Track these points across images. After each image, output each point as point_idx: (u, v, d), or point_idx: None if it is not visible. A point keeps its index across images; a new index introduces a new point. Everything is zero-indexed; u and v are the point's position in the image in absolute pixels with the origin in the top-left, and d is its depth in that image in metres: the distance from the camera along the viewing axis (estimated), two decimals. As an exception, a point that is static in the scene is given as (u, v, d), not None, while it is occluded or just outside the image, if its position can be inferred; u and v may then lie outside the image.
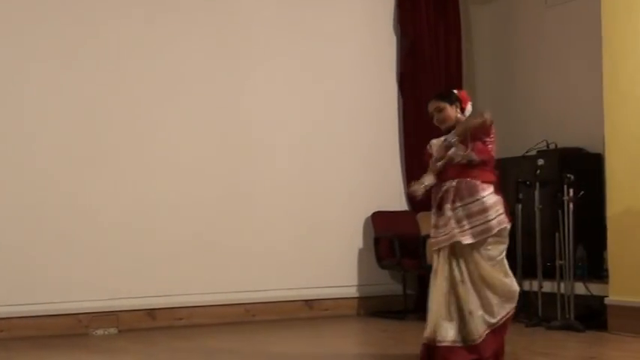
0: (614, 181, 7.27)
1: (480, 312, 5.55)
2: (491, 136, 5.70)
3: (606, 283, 7.33)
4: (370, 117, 9.11)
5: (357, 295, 8.90)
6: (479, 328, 5.52)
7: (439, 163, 5.68)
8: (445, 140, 5.65)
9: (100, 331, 7.70)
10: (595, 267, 7.82)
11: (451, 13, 9.45)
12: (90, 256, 7.78)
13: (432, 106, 5.84)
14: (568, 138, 8.35)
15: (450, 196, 5.62)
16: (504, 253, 5.67)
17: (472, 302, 5.53)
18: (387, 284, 8.97)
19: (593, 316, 7.44)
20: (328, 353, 6.72)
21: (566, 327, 7.38)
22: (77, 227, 7.77)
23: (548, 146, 8.30)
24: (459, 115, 5.76)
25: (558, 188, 7.58)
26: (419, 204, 7.89)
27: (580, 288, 7.59)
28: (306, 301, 8.65)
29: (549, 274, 7.78)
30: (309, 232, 8.68)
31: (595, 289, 7.52)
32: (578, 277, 7.64)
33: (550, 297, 7.75)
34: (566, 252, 7.55)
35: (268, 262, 8.46)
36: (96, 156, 7.92)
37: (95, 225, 7.84)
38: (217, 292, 8.22)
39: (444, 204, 5.64)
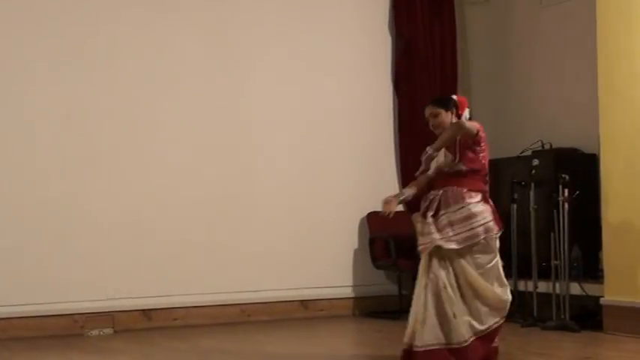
0: (609, 182, 7.27)
1: (467, 317, 5.54)
2: (482, 144, 5.68)
3: (601, 283, 7.34)
4: (365, 117, 9.12)
5: (352, 295, 8.90)
6: (463, 332, 5.50)
7: (417, 173, 5.78)
8: (425, 152, 5.66)
9: (95, 332, 7.70)
10: (590, 267, 7.82)
11: (446, 12, 9.46)
12: (86, 257, 7.78)
13: (427, 111, 5.86)
14: (563, 138, 8.36)
15: (435, 204, 5.65)
16: (495, 262, 5.64)
17: (456, 306, 5.51)
18: (383, 284, 8.98)
19: (588, 317, 7.45)
20: (323, 353, 6.72)
21: (562, 327, 7.39)
22: (73, 228, 7.76)
23: (543, 146, 8.31)
24: (453, 122, 5.76)
25: (553, 188, 7.59)
26: (415, 205, 7.89)
27: (575, 288, 7.60)
28: (302, 301, 8.65)
29: (544, 275, 7.78)
30: (304, 232, 8.68)
31: (590, 289, 7.53)
32: (573, 278, 7.65)
33: (545, 297, 7.75)
34: (562, 252, 7.56)
35: (264, 263, 8.46)
36: (93, 157, 7.91)
37: (91, 226, 7.83)
38: (213, 293, 8.22)
39: (427, 212, 5.66)
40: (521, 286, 8.06)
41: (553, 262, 7.65)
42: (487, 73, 9.62)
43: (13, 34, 7.71)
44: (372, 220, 8.81)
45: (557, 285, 7.63)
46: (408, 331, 5.63)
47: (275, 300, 8.51)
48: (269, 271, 8.49)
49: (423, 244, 5.65)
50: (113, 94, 8.01)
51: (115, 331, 7.78)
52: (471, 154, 5.66)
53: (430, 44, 9.30)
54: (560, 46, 8.77)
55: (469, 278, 5.56)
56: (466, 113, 5.85)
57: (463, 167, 5.65)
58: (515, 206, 7.98)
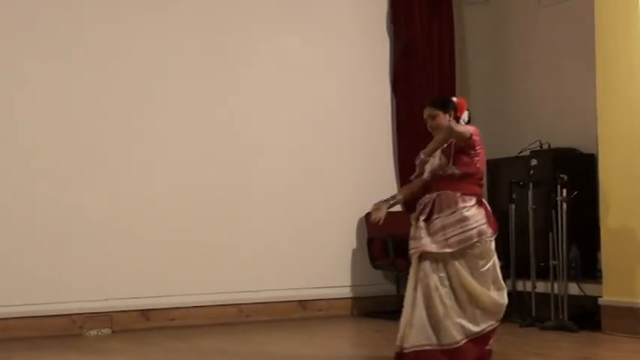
0: (608, 182, 7.28)
1: (459, 319, 5.52)
2: (477, 148, 5.66)
3: (600, 283, 7.34)
4: (363, 117, 9.12)
5: (350, 295, 8.90)
6: (454, 334, 5.49)
7: (412, 177, 5.78)
8: (418, 157, 5.66)
9: (93, 332, 7.70)
10: (588, 267, 7.83)
11: (445, 13, 9.46)
12: (84, 257, 7.77)
13: (426, 112, 5.86)
14: (561, 138, 8.36)
15: (428, 208, 5.66)
16: (490, 265, 5.62)
17: (448, 308, 5.50)
18: (381, 284, 8.98)
19: (586, 317, 7.45)
20: (322, 354, 6.72)
21: (560, 327, 7.39)
22: (71, 228, 7.75)
23: (541, 146, 8.32)
24: (445, 126, 5.75)
25: (552, 188, 7.59)
26: (413, 205, 7.88)
27: (574, 288, 7.61)
28: (300, 301, 8.65)
29: (543, 275, 7.78)
30: (302, 232, 8.68)
31: (588, 289, 7.53)
32: (571, 278, 7.65)
33: (544, 297, 7.76)
34: (560, 252, 7.56)
35: (262, 263, 8.46)
36: (91, 157, 7.90)
37: (89, 226, 7.82)
38: (211, 293, 8.21)
39: (420, 216, 5.67)
40: (520, 286, 8.07)
41: (551, 262, 7.65)
42: (485, 73, 9.62)
43: (6, 32, 7.68)
44: (370, 220, 8.80)
45: (556, 285, 7.63)
46: (399, 334, 5.63)
47: (273, 300, 8.51)
48: (267, 271, 8.49)
49: (413, 248, 5.66)
50: (111, 95, 8.00)
51: (114, 332, 7.78)
52: (465, 158, 5.65)
53: (428, 44, 9.31)
54: (559, 46, 8.77)
55: (463, 282, 5.55)
56: (465, 116, 5.83)
57: (457, 171, 5.65)
58: (513, 206, 7.98)
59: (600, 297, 7.27)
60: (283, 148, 8.70)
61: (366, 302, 8.88)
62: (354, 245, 8.95)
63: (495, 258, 5.68)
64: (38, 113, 7.75)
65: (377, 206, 5.85)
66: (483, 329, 5.60)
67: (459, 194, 5.61)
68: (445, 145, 5.66)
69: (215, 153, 8.39)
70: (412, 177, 5.80)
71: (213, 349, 7.00)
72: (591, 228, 7.59)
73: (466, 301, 5.55)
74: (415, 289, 5.59)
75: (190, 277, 8.14)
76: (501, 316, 5.69)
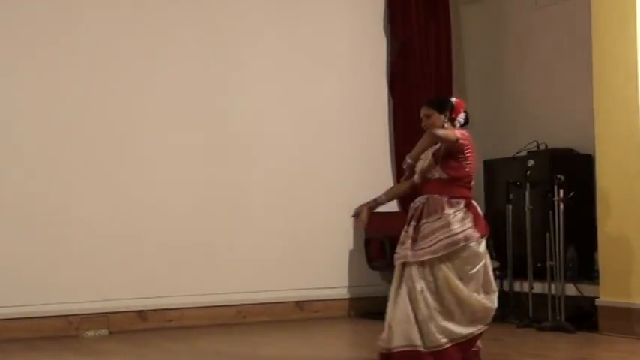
0: (605, 182, 7.28)
1: (444, 322, 5.49)
2: (466, 152, 5.62)
3: (597, 284, 7.35)
4: (361, 117, 9.11)
5: (347, 296, 8.90)
6: (438, 336, 5.46)
7: (402, 180, 5.79)
8: (405, 161, 5.65)
9: (90, 333, 7.69)
10: (585, 268, 7.82)
11: (441, 13, 9.45)
12: (80, 258, 7.76)
13: (422, 111, 5.83)
14: (558, 139, 8.36)
15: (418, 213, 5.65)
16: (480, 268, 5.56)
17: (433, 311, 5.48)
18: (378, 285, 8.94)
19: (583, 317, 7.45)
20: (319, 355, 6.72)
21: (557, 328, 7.39)
22: (68, 229, 7.75)
23: (538, 147, 8.32)
24: (445, 125, 5.72)
25: (549, 189, 7.59)
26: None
27: (571, 289, 7.61)
28: (297, 302, 8.64)
29: (540, 275, 7.78)
30: (299, 233, 8.67)
31: (586, 290, 7.54)
32: (568, 278, 7.65)
33: (541, 298, 7.75)
34: (557, 253, 7.56)
35: (259, 264, 8.45)
36: (87, 158, 7.90)
37: (86, 227, 7.82)
38: (208, 294, 8.20)
39: (411, 221, 5.67)
40: (517, 286, 8.07)
41: (548, 263, 7.65)
42: (482, 73, 9.62)
43: (4, 32, 7.67)
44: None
45: (553, 286, 7.62)
46: (383, 335, 5.61)
47: (270, 301, 8.50)
48: (264, 272, 8.48)
49: (397, 253, 5.68)
50: (110, 95, 8.00)
51: (111, 332, 7.77)
52: (453, 163, 5.62)
53: (425, 44, 9.30)
54: (556, 47, 8.76)
55: (451, 284, 5.51)
56: (461, 117, 5.79)
57: (444, 175, 5.63)
58: (510, 207, 7.99)
59: (597, 297, 7.28)
60: (280, 148, 8.69)
61: (364, 303, 8.87)
62: (351, 246, 8.94)
63: (487, 260, 5.64)
64: (36, 113, 7.75)
65: (359, 210, 5.85)
66: (471, 332, 5.56)
67: (446, 198, 5.58)
68: (436, 147, 5.65)
69: (211, 154, 8.38)
70: (402, 179, 5.80)
71: (210, 349, 7.00)
72: (588, 228, 7.59)
73: (454, 304, 5.51)
74: (398, 290, 5.58)
75: (187, 278, 8.14)
76: (488, 320, 5.65)
